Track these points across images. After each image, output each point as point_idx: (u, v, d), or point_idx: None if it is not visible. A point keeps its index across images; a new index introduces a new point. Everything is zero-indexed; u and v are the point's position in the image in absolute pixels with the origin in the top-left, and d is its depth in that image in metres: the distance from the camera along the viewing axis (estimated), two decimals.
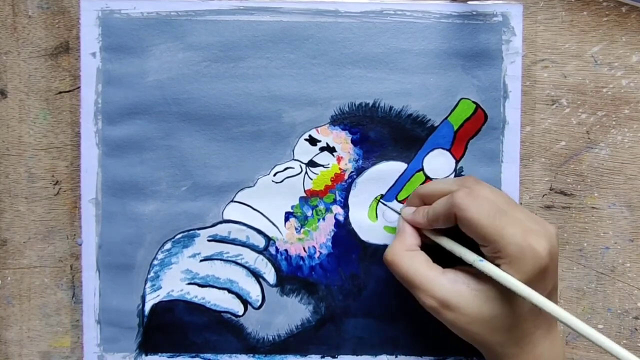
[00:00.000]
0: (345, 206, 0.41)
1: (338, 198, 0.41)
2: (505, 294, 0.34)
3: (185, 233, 0.41)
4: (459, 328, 0.34)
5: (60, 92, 0.41)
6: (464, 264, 0.35)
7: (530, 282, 0.33)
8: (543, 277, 0.33)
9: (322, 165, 0.41)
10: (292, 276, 0.41)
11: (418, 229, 0.37)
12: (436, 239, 0.37)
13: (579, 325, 0.31)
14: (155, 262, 0.41)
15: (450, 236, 0.36)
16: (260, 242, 0.41)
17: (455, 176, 0.41)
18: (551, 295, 0.35)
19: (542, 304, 0.32)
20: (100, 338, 0.41)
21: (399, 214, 0.39)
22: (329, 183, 0.41)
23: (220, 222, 0.41)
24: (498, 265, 0.33)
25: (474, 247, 0.35)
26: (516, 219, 0.34)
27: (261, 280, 0.41)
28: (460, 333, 0.35)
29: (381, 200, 0.41)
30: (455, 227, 0.35)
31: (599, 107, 0.41)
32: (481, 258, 0.34)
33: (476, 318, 0.34)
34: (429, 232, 0.37)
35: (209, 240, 0.41)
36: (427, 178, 0.41)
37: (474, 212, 0.33)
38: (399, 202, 0.41)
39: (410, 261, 0.36)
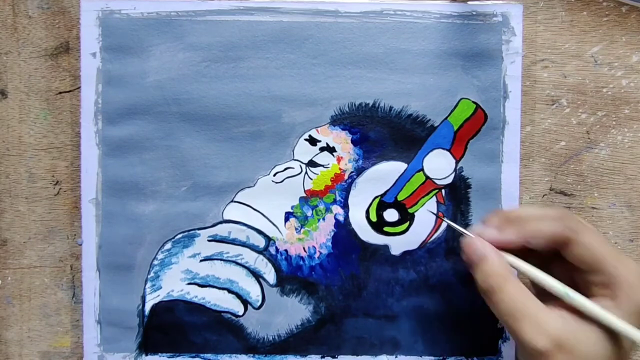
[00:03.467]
0: (345, 206, 0.41)
1: (338, 198, 0.41)
2: (610, 334, 0.31)
3: (186, 233, 0.41)
4: None
5: (60, 92, 0.41)
6: None
7: None
8: None
9: (322, 165, 0.41)
10: (292, 276, 0.41)
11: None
12: (519, 265, 0.33)
13: None
14: (155, 262, 0.41)
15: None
16: (260, 242, 0.41)
17: (455, 176, 0.41)
18: None
19: None
20: (100, 338, 0.41)
21: (464, 232, 0.36)
22: (329, 183, 0.41)
23: (221, 222, 0.41)
24: (607, 299, 0.31)
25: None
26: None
27: (261, 280, 0.41)
28: None
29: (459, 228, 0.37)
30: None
31: (599, 107, 0.41)
32: (574, 291, 0.31)
33: None
34: (512, 260, 0.34)
35: (209, 240, 0.41)
36: (427, 178, 0.41)
37: (594, 237, 0.32)
38: (399, 202, 0.41)
39: (520, 289, 0.31)
